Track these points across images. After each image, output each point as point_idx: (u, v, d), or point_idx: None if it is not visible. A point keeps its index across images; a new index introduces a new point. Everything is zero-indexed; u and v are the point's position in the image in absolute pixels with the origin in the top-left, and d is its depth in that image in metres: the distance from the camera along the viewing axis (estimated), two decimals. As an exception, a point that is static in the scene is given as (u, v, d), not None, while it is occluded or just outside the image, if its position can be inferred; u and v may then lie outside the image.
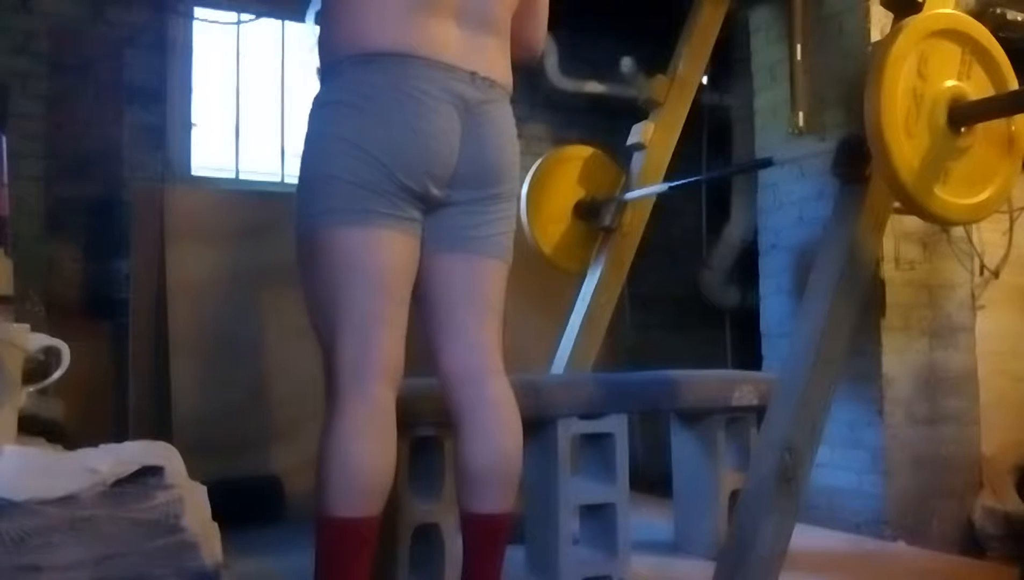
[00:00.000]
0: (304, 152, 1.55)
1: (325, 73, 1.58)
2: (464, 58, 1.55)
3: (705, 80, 3.79)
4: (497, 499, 1.55)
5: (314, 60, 1.65)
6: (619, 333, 3.92)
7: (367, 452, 1.42)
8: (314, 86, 1.63)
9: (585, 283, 3.11)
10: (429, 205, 1.55)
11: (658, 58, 3.28)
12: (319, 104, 1.56)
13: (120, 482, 1.03)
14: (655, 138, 3.12)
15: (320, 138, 1.53)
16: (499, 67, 1.63)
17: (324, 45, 1.58)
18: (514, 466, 1.57)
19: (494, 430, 1.56)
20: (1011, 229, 3.42)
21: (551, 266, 3.23)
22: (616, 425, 2.26)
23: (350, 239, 1.47)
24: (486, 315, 1.61)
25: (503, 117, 1.62)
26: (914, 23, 1.98)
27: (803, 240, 3.21)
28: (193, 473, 1.19)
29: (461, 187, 1.56)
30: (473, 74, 1.55)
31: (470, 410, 1.57)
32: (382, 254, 1.48)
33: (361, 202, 1.46)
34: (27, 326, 1.50)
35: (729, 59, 3.93)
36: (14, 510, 0.95)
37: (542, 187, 3.18)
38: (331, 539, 1.43)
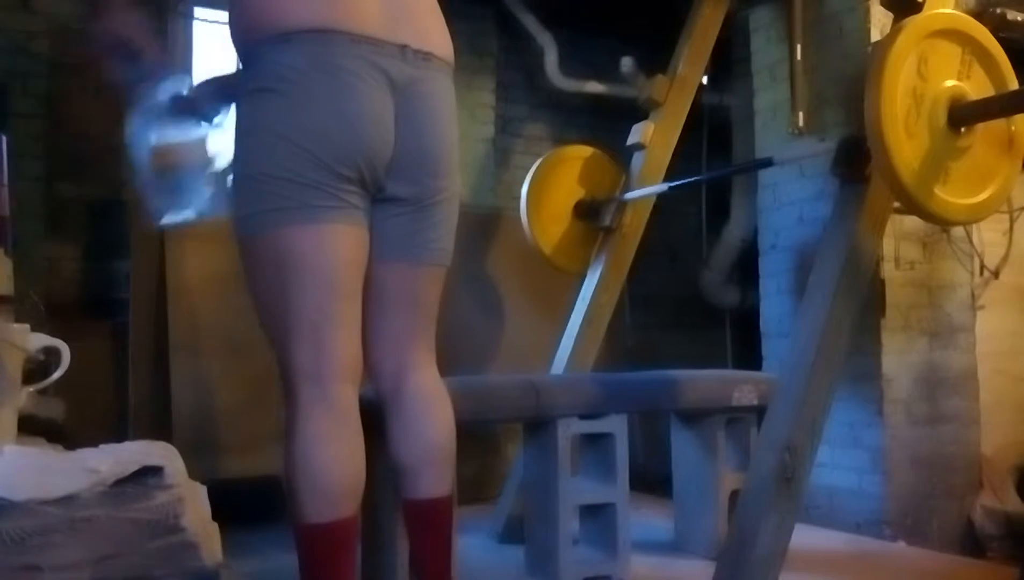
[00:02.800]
0: (235, 149, 1.48)
1: (243, 60, 1.48)
2: (391, 29, 1.44)
3: (705, 80, 3.79)
4: (429, 485, 1.55)
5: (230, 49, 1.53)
6: (619, 333, 3.92)
7: (332, 457, 1.40)
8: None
9: (585, 283, 3.10)
10: (371, 192, 1.48)
11: (658, 58, 3.28)
12: (242, 96, 1.47)
13: (120, 482, 1.03)
14: (655, 138, 3.12)
15: (247, 133, 1.45)
16: (434, 36, 1.52)
17: (236, 29, 1.47)
18: (442, 452, 1.56)
19: (417, 421, 1.55)
20: (1011, 229, 3.42)
21: (551, 266, 3.23)
22: (616, 425, 2.26)
23: (293, 239, 1.40)
24: (413, 317, 1.58)
25: (440, 96, 1.52)
26: (914, 23, 1.97)
27: (803, 240, 3.21)
28: (193, 473, 1.19)
29: (400, 178, 1.48)
30: (403, 47, 1.45)
31: (394, 403, 1.57)
32: (328, 251, 1.41)
33: (300, 198, 1.38)
34: (27, 326, 1.50)
35: (729, 59, 3.93)
36: (14, 510, 0.95)
37: (542, 187, 3.19)
38: (308, 546, 1.43)
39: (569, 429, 2.20)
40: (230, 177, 1.52)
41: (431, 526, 1.57)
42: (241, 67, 1.50)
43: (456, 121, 1.58)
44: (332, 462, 1.40)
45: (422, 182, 1.51)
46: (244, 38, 1.45)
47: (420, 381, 1.58)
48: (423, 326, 1.60)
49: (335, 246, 1.42)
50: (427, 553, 1.57)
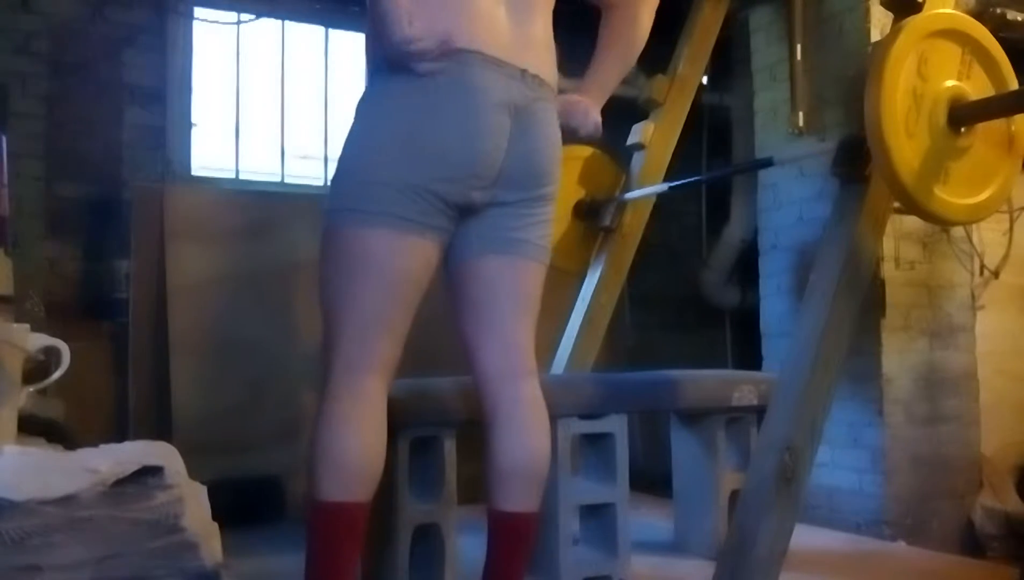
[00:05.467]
0: (347, 142, 1.53)
1: (374, 68, 1.54)
2: (515, 53, 1.51)
3: (705, 80, 3.79)
4: (527, 498, 1.57)
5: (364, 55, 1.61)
6: (619, 333, 3.92)
7: (357, 438, 1.44)
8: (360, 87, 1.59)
9: (585, 283, 3.10)
10: (466, 212, 1.53)
11: (658, 58, 3.28)
12: (369, 94, 1.54)
13: (120, 482, 1.03)
14: (655, 138, 3.12)
15: (367, 132, 1.51)
16: (547, 62, 1.59)
17: (373, 39, 1.53)
18: (544, 465, 1.58)
19: (527, 428, 1.57)
20: (1011, 229, 3.42)
21: (551, 266, 3.22)
22: (616, 425, 2.26)
23: (372, 241, 1.46)
24: (525, 317, 1.62)
25: (549, 117, 1.59)
26: (914, 23, 1.98)
27: (803, 240, 3.21)
28: (193, 473, 1.19)
29: (506, 188, 1.54)
30: (524, 72, 1.52)
31: (504, 408, 1.58)
32: (400, 260, 1.48)
33: (393, 206, 1.45)
34: (27, 326, 1.50)
35: (729, 59, 3.93)
36: (14, 510, 0.95)
37: (542, 187, 3.18)
38: (322, 523, 1.45)
39: (569, 429, 2.20)
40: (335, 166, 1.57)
41: (521, 539, 1.58)
42: (369, 77, 1.57)
43: (560, 138, 1.63)
44: (355, 443, 1.44)
45: (526, 191, 1.57)
46: (380, 47, 1.48)
47: (534, 391, 1.61)
48: (531, 329, 1.64)
49: (408, 257, 1.48)
50: (508, 568, 1.57)
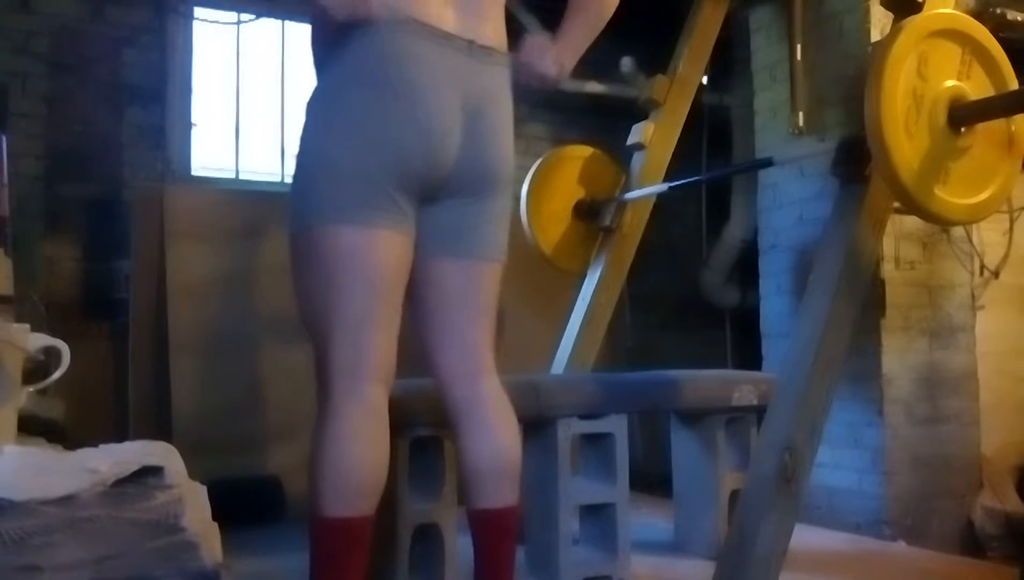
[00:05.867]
0: (305, 143, 1.49)
1: (324, 56, 1.50)
2: (461, 23, 1.46)
3: (705, 80, 3.79)
4: (501, 493, 1.55)
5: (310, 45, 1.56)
6: (619, 333, 3.92)
7: (361, 453, 1.41)
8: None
9: (585, 283, 3.10)
10: (423, 199, 1.50)
11: (658, 58, 3.28)
12: (317, 90, 1.50)
13: (120, 482, 1.03)
14: (655, 138, 3.12)
15: (322, 129, 1.47)
16: (496, 28, 1.53)
17: (319, 26, 1.50)
18: (515, 459, 1.57)
19: (492, 425, 1.56)
20: (1011, 229, 3.42)
21: (551, 266, 3.23)
22: (616, 425, 2.25)
23: (348, 239, 1.42)
24: (479, 319, 1.59)
25: (503, 105, 1.54)
26: (914, 23, 1.97)
27: (803, 240, 3.21)
28: (193, 473, 1.19)
29: (462, 178, 1.51)
30: (471, 43, 1.47)
31: (467, 408, 1.57)
32: (379, 255, 1.44)
33: (360, 200, 1.42)
34: (27, 326, 1.50)
35: (729, 59, 3.93)
36: (14, 510, 0.95)
37: (542, 187, 3.18)
38: (326, 539, 1.42)
39: (569, 429, 2.20)
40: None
41: (504, 535, 1.57)
42: (318, 66, 1.53)
43: (512, 124, 1.58)
44: (360, 459, 1.41)
45: (480, 186, 1.54)
46: (327, 31, 1.46)
47: (493, 388, 1.59)
48: (489, 329, 1.61)
49: (386, 251, 1.45)
50: (497, 564, 1.55)
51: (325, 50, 1.49)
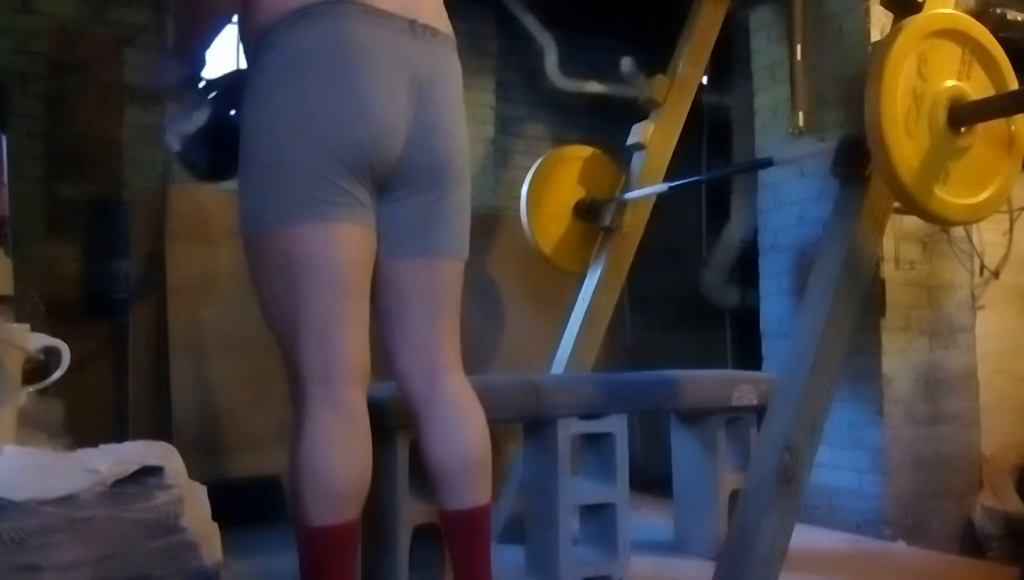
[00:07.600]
0: (247, 140, 1.42)
1: (256, 48, 1.43)
2: (399, 1, 1.40)
3: (705, 80, 3.79)
4: (471, 492, 1.50)
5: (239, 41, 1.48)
6: (619, 333, 3.92)
7: (340, 459, 1.36)
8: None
9: (585, 283, 3.10)
10: (379, 189, 1.44)
11: (658, 58, 3.28)
12: (252, 87, 1.42)
13: (120, 482, 1.03)
14: (655, 138, 3.12)
15: (260, 124, 1.40)
16: (437, 7, 1.48)
17: (251, 16, 1.43)
18: (480, 456, 1.51)
19: (452, 424, 1.51)
20: (1011, 229, 3.42)
21: (551, 266, 3.23)
22: (616, 425, 2.26)
23: (303, 236, 1.36)
24: (439, 316, 1.54)
25: (453, 88, 1.49)
26: (914, 23, 1.98)
27: (803, 240, 3.21)
28: (193, 473, 1.19)
29: (412, 173, 1.45)
30: (412, 22, 1.42)
31: (425, 407, 1.52)
32: (341, 250, 1.38)
33: (316, 194, 1.35)
34: (27, 326, 1.50)
35: (729, 59, 3.93)
36: (14, 510, 0.95)
37: (542, 187, 3.18)
38: (314, 548, 1.39)
39: (569, 429, 2.20)
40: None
41: (475, 536, 1.52)
42: (252, 59, 1.46)
43: (463, 108, 1.54)
44: (339, 466, 1.36)
45: (434, 176, 1.48)
46: (256, 25, 1.42)
47: (452, 385, 1.53)
48: (449, 326, 1.55)
49: (345, 245, 1.39)
50: (472, 565, 1.51)
51: (259, 31, 1.42)
